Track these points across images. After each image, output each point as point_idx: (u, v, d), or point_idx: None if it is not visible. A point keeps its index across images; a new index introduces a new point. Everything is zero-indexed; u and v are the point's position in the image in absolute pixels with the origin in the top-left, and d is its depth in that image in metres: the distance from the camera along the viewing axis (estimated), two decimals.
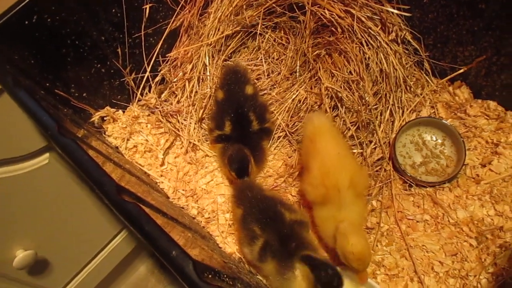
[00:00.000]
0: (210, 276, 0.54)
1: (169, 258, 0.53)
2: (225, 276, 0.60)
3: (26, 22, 0.84)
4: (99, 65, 0.98)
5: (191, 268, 0.51)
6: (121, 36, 0.99)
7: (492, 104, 1.00)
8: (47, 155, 1.13)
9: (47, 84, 0.91)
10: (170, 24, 1.05)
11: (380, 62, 1.00)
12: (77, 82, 0.96)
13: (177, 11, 1.05)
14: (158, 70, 1.08)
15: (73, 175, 1.22)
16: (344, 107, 1.00)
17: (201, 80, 1.06)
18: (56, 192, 1.22)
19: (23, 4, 0.82)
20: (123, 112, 1.06)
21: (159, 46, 1.04)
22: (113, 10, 0.95)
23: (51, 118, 0.68)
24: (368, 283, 0.80)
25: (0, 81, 0.76)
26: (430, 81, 1.05)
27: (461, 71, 1.00)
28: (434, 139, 1.01)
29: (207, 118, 1.05)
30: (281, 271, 0.76)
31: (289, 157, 1.03)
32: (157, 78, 1.07)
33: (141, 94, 1.06)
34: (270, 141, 1.03)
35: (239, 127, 0.95)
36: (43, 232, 1.26)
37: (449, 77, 1.03)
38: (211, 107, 1.05)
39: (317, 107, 1.03)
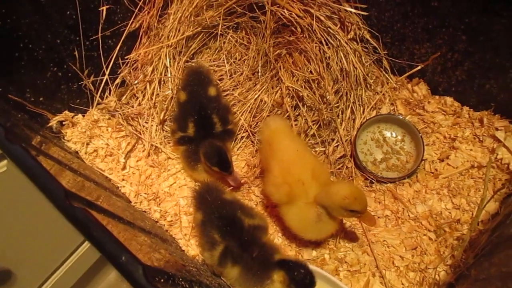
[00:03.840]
0: (162, 280, 0.53)
1: (118, 264, 0.52)
2: (180, 279, 0.60)
3: None
4: (55, 69, 0.96)
5: (141, 273, 0.50)
6: (77, 38, 0.97)
7: (449, 99, 1.02)
8: (5, 162, 1.09)
9: (0, 89, 0.88)
10: (128, 26, 1.03)
11: (340, 61, 1.01)
12: (33, 86, 0.93)
13: (135, 13, 1.03)
14: (118, 72, 1.06)
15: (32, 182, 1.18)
16: (305, 106, 1.01)
17: (162, 82, 1.05)
18: (16, 200, 1.19)
19: None
20: (83, 116, 1.04)
21: (118, 48, 1.03)
22: (68, 13, 0.93)
23: None
24: (333, 281, 0.81)
25: None
26: (389, 78, 1.07)
27: (418, 68, 1.02)
28: (394, 135, 1.02)
29: (169, 120, 1.04)
30: (253, 279, 0.76)
31: (252, 157, 1.03)
32: (117, 81, 1.05)
33: (101, 98, 1.04)
34: (233, 142, 1.02)
35: (202, 129, 0.94)
36: (4, 242, 1.22)
37: (407, 74, 1.05)
38: (173, 109, 1.04)
39: (278, 107, 1.03)
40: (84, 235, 0.54)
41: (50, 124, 0.98)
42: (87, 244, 1.49)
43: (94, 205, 0.63)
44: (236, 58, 1.13)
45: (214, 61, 1.14)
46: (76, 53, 0.98)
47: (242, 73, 1.11)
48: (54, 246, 1.39)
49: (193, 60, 1.12)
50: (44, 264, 1.40)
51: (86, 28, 0.97)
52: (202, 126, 0.94)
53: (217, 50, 1.14)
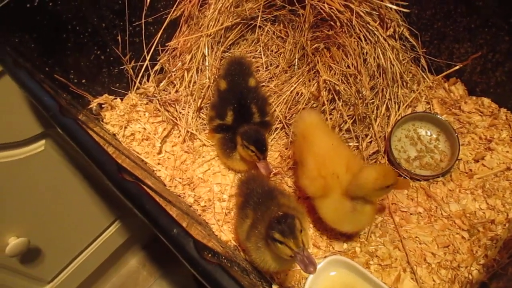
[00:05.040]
0: (209, 255, 0.55)
1: (170, 236, 0.53)
2: (223, 257, 0.61)
3: (28, 5, 0.84)
4: (98, 52, 0.99)
5: (192, 246, 0.51)
6: (121, 23, 0.99)
7: (486, 101, 1.02)
8: (43, 142, 1.12)
9: (47, 69, 0.91)
10: (170, 14, 1.05)
11: (378, 57, 1.02)
12: (77, 68, 0.96)
13: (178, 1, 1.05)
14: (157, 59, 1.08)
15: (69, 163, 1.22)
16: (341, 100, 1.01)
17: (199, 71, 1.07)
18: (51, 180, 1.22)
19: None
20: (121, 100, 1.06)
21: (159, 35, 1.05)
22: None
23: (52, 98, 0.68)
24: (363, 273, 0.81)
25: (1, 62, 0.76)
26: (426, 77, 1.07)
27: (457, 67, 1.02)
28: (429, 134, 1.02)
29: (205, 108, 1.06)
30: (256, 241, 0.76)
31: (286, 149, 1.04)
32: (156, 67, 1.07)
33: (140, 83, 1.06)
34: (268, 133, 1.03)
35: (241, 118, 0.95)
36: (37, 220, 1.26)
37: (444, 73, 1.05)
38: (209, 97, 1.06)
39: (314, 100, 1.03)
40: (137, 208, 0.56)
41: (90, 106, 1.00)
42: (113, 228, 1.52)
43: (141, 180, 0.64)
44: (272, 51, 1.14)
45: (250, 53, 1.15)
46: (119, 37, 1.00)
47: (278, 66, 1.12)
48: (82, 228, 1.42)
49: (230, 51, 1.14)
50: (72, 245, 1.43)
51: (130, 14, 0.99)
52: (240, 115, 0.96)
53: (254, 42, 1.16)
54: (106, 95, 1.03)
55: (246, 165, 0.96)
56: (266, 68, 1.13)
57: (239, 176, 0.98)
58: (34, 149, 1.11)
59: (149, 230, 1.73)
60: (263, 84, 1.09)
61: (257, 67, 1.13)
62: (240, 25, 1.12)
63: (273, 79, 1.11)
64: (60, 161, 1.20)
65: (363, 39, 1.02)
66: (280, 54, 1.13)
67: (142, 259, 1.75)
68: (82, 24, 0.92)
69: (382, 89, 1.03)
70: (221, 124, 0.97)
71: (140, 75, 1.05)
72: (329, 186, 0.82)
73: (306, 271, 0.63)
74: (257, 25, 1.11)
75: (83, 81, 0.98)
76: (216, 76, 1.07)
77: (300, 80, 1.07)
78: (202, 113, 1.06)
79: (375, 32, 1.02)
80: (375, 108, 1.03)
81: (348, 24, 1.01)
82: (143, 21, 1.01)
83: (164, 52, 1.08)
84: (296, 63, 1.09)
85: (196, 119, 1.04)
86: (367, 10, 1.02)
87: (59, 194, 1.27)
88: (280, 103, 1.06)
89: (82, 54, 0.96)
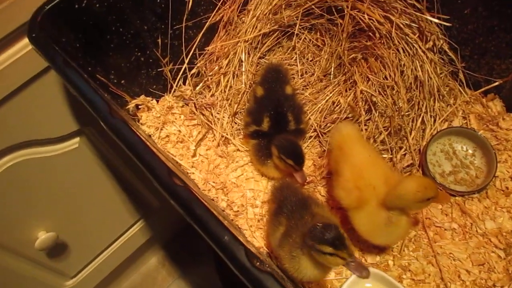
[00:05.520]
0: (258, 263, 0.55)
1: (220, 243, 0.53)
2: (267, 265, 0.61)
3: (76, 6, 0.86)
4: (139, 54, 1.00)
5: (243, 253, 0.52)
6: (162, 26, 1.00)
7: None
8: (77, 139, 1.14)
9: (89, 68, 0.92)
10: (210, 19, 1.06)
11: (415, 70, 1.01)
12: (117, 69, 0.97)
13: (218, 6, 1.06)
14: (195, 63, 1.09)
15: (100, 161, 1.23)
16: (377, 111, 1.01)
17: (236, 76, 1.08)
18: (81, 177, 1.24)
19: None
20: (157, 101, 1.07)
21: (198, 39, 1.06)
22: (158, 1, 0.97)
23: (102, 100, 0.69)
24: (393, 284, 0.81)
25: (50, 61, 0.78)
26: (463, 92, 1.06)
27: (496, 83, 1.01)
28: (465, 149, 1.01)
29: (240, 113, 1.07)
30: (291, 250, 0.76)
31: (319, 157, 1.04)
32: (193, 71, 1.08)
33: (177, 85, 1.07)
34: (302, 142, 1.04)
35: (277, 125, 0.96)
36: (65, 216, 1.27)
37: (483, 89, 1.04)
38: (244, 102, 1.06)
39: (351, 110, 1.03)
40: (187, 214, 0.56)
41: (128, 106, 1.01)
42: (137, 227, 1.54)
43: (187, 184, 0.65)
44: (308, 59, 1.15)
45: (286, 60, 1.15)
46: (159, 40, 1.01)
47: (313, 74, 1.12)
48: (108, 226, 1.44)
49: (266, 57, 1.14)
50: (97, 242, 1.45)
51: (171, 17, 1.00)
52: (277, 122, 0.96)
53: (290, 49, 1.16)
54: (144, 96, 1.04)
55: (280, 172, 0.96)
56: (301, 75, 1.13)
57: (272, 182, 0.98)
58: (68, 146, 1.13)
59: (169, 230, 1.74)
60: (298, 92, 1.10)
61: (292, 74, 1.13)
62: (277, 32, 1.13)
63: (307, 87, 1.11)
64: (92, 159, 1.22)
65: (401, 51, 1.01)
66: (316, 63, 1.13)
67: (162, 258, 1.77)
68: (125, 26, 0.94)
69: (419, 102, 1.02)
70: (257, 130, 0.97)
71: (178, 78, 1.06)
72: (365, 197, 0.82)
73: (362, 276, 0.65)
74: (294, 33, 1.12)
75: (122, 81, 0.99)
76: (252, 82, 1.07)
77: (336, 89, 1.07)
78: (237, 118, 1.06)
79: (414, 44, 1.01)
80: (411, 120, 1.02)
81: (387, 35, 1.01)
82: (183, 25, 1.02)
83: (201, 56, 1.09)
84: (332, 72, 1.09)
85: (231, 124, 1.05)
86: (407, 22, 1.02)
87: (88, 191, 1.28)
88: (315, 111, 1.06)
89: (123, 55, 0.97)
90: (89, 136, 1.15)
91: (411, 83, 1.01)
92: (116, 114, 0.67)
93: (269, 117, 0.96)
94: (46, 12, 0.82)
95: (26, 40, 0.88)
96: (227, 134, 1.03)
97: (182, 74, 1.06)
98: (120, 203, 1.40)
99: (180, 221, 1.69)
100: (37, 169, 1.10)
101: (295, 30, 1.11)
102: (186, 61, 1.04)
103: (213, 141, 1.04)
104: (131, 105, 1.01)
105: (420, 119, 1.02)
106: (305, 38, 1.14)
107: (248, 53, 1.09)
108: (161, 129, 1.03)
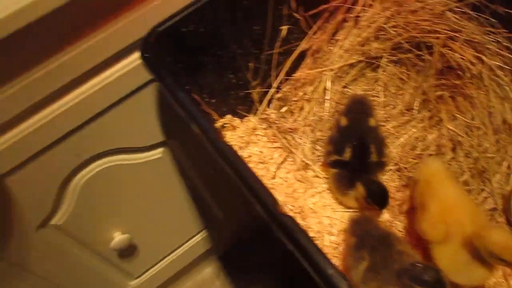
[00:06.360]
0: None
1: (325, 276, 0.55)
2: None
3: (183, 29, 0.92)
4: (231, 76, 1.05)
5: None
6: (256, 51, 1.05)
7: None
8: (161, 149, 1.21)
9: (186, 87, 0.98)
10: (300, 46, 1.09)
11: (505, 113, 1.00)
12: (210, 88, 1.02)
13: (308, 35, 1.10)
14: (280, 87, 1.13)
15: (178, 172, 1.29)
16: (462, 151, 1.00)
17: (319, 103, 1.10)
18: (159, 185, 1.30)
19: (186, 12, 0.90)
20: (241, 121, 1.12)
21: (286, 65, 1.09)
22: (256, 28, 1.01)
23: (209, 122, 0.74)
24: None
25: (160, 79, 0.84)
26: None
27: None
28: None
29: (321, 140, 1.09)
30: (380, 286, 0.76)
31: (397, 191, 1.04)
32: (278, 95, 1.12)
33: (262, 108, 1.11)
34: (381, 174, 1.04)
35: (359, 156, 0.97)
36: (139, 219, 1.34)
37: None
38: (326, 130, 1.08)
39: (434, 147, 1.03)
40: (292, 243, 0.59)
41: (216, 124, 1.06)
42: (199, 236, 1.58)
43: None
44: (391, 91, 1.15)
45: (368, 91, 1.17)
46: (251, 64, 1.05)
47: (395, 107, 1.13)
48: (174, 233, 1.49)
49: (349, 87, 1.16)
50: (163, 247, 1.51)
51: (265, 43, 1.05)
52: (359, 153, 0.98)
53: (373, 81, 1.17)
54: (230, 116, 1.08)
55: (359, 204, 0.97)
56: (383, 108, 1.14)
57: (349, 212, 0.99)
58: (152, 155, 1.19)
59: (227, 242, 1.78)
60: (379, 124, 1.10)
61: (374, 106, 1.14)
62: (363, 63, 1.15)
63: (389, 120, 1.12)
64: (170, 169, 1.28)
65: (491, 92, 1.00)
66: (399, 96, 1.14)
67: (217, 269, 1.81)
68: (224, 49, 0.99)
69: (505, 146, 1.01)
70: (339, 159, 0.99)
71: (264, 101, 1.10)
72: (451, 232, 0.82)
73: None
74: (380, 65, 1.13)
75: (213, 100, 1.04)
76: (335, 111, 1.09)
77: (420, 125, 1.07)
78: (318, 145, 1.09)
79: (506, 87, 1.00)
80: (496, 163, 1.01)
81: (478, 75, 1.01)
82: (275, 50, 1.06)
83: (287, 81, 1.13)
84: (416, 107, 1.10)
85: (312, 151, 1.07)
86: (500, 64, 1.01)
87: (162, 199, 1.35)
88: (396, 145, 1.06)
89: (217, 76, 1.02)
90: (171, 148, 1.21)
91: (498, 125, 1.00)
92: (222, 138, 0.71)
93: (351, 148, 0.98)
94: (159, 34, 0.88)
95: (135, 55, 0.96)
96: (307, 160, 1.06)
97: (268, 98, 1.10)
98: (188, 212, 1.45)
99: (238, 233, 1.73)
100: (122, 175, 1.17)
101: (381, 63, 1.13)
102: (275, 86, 1.08)
103: (292, 165, 1.07)
104: (219, 124, 1.06)
105: (506, 163, 1.00)
106: (390, 71, 1.15)
107: (333, 82, 1.12)
108: (244, 149, 1.07)
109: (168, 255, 1.54)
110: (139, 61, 0.96)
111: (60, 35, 0.83)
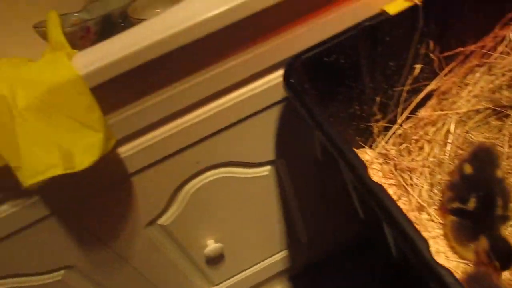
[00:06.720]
0: None
1: None
2: None
3: (325, 59, 0.93)
4: (357, 107, 1.05)
5: None
6: (385, 86, 1.05)
7: None
8: (269, 167, 1.23)
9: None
10: (429, 86, 1.08)
11: None
12: (336, 117, 1.03)
13: (439, 76, 1.08)
14: (401, 124, 1.12)
15: (277, 190, 1.31)
16: None
17: (440, 145, 1.08)
18: (258, 201, 1.32)
19: (330, 43, 0.92)
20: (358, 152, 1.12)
21: (412, 103, 1.08)
22: (391, 64, 1.01)
23: (358, 157, 0.74)
24: None
25: (303, 106, 0.85)
26: None
27: None
28: None
29: (438, 184, 1.06)
30: None
31: None
32: (399, 132, 1.11)
33: (382, 143, 1.10)
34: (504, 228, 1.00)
35: (485, 208, 0.94)
36: (232, 231, 1.37)
37: None
38: (445, 174, 1.06)
39: None
40: None
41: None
42: (279, 256, 1.59)
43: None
44: None
45: (490, 139, 1.13)
46: (377, 98, 1.06)
47: None
48: (259, 248, 1.51)
49: (471, 133, 1.13)
50: (245, 260, 1.53)
51: (395, 80, 1.04)
52: (485, 205, 0.94)
53: (497, 129, 1.13)
54: None
55: (477, 257, 0.93)
56: (506, 159, 1.09)
57: (463, 264, 0.96)
58: (260, 172, 1.22)
59: (302, 265, 1.77)
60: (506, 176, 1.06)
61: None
62: (489, 110, 1.11)
63: None
64: (272, 187, 1.30)
65: None
66: None
67: None
68: (357, 81, 1.00)
69: None
70: (462, 208, 0.96)
71: (385, 136, 1.09)
72: None
73: None
74: (509, 115, 1.09)
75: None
76: (455, 155, 1.07)
77: None
78: (435, 189, 1.06)
79: None
80: None
81: None
82: (404, 88, 1.05)
83: (409, 119, 1.11)
84: None
85: (429, 193, 1.05)
86: None
87: (256, 214, 1.37)
88: None
89: (345, 106, 1.03)
90: (278, 167, 1.23)
91: None
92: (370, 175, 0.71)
93: (476, 197, 0.95)
94: (302, 61, 0.91)
95: (268, 77, 0.99)
96: (423, 202, 1.04)
97: (390, 133, 1.09)
98: (276, 231, 1.47)
99: (314, 258, 1.72)
100: (229, 187, 1.20)
101: (510, 112, 1.09)
102: (399, 122, 1.07)
103: (406, 204, 1.05)
104: None
105: None
106: None
107: (456, 126, 1.09)
108: None
109: (248, 268, 1.56)
110: (270, 84, 1.00)
111: (215, 51, 0.88)
